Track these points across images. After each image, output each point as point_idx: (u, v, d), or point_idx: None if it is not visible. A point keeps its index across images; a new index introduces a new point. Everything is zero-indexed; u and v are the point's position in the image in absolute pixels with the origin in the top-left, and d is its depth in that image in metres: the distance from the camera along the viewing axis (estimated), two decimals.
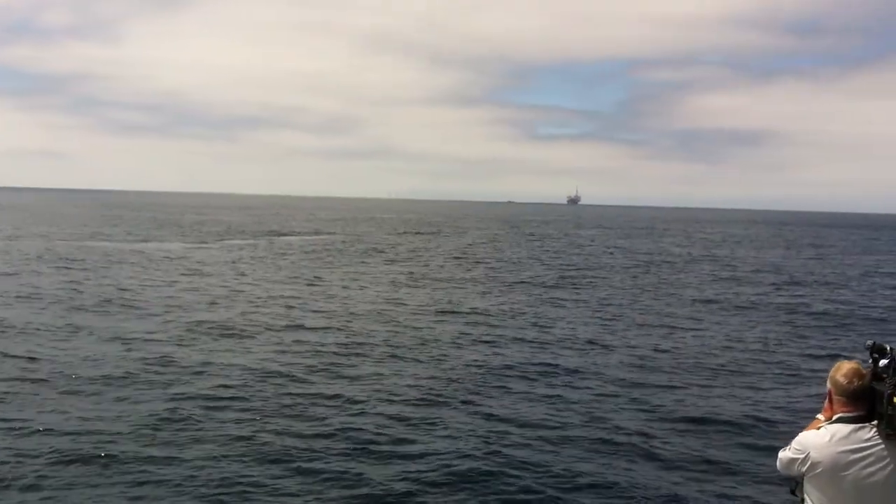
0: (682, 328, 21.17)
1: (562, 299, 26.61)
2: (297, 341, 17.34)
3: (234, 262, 36.47)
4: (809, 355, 17.83)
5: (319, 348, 16.66)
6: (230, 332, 18.28)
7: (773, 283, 33.68)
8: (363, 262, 39.08)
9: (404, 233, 74.72)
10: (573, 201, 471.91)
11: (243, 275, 31.17)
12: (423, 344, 17.60)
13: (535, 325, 20.90)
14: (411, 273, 34.24)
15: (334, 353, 16.28)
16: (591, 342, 18.57)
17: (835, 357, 18.38)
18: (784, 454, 4.24)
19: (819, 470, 4.07)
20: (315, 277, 30.93)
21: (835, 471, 4.03)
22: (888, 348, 4.10)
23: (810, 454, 4.08)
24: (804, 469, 4.13)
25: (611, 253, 52.48)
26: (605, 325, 21.44)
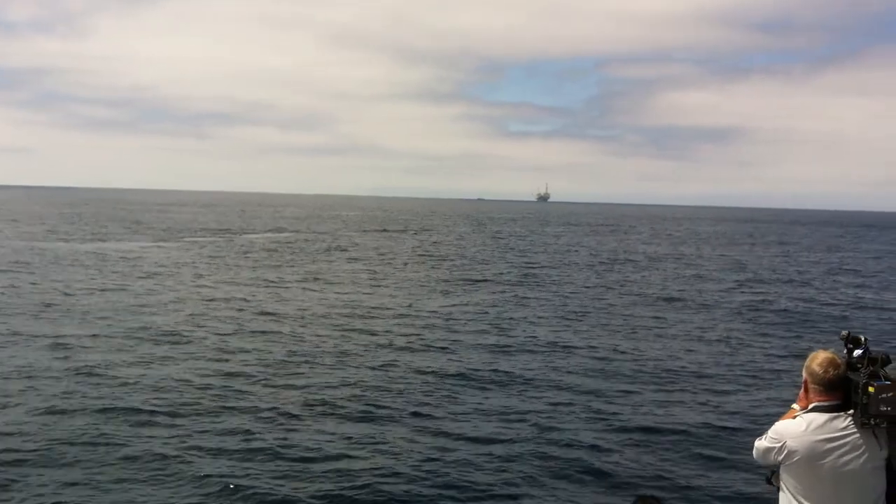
0: (644, 328, 20.76)
1: (524, 298, 26.09)
2: (242, 349, 16.56)
3: (191, 263, 35.47)
4: (771, 355, 17.51)
5: (265, 356, 15.91)
6: (172, 338, 17.43)
7: (737, 281, 33.50)
8: (324, 262, 38.23)
9: (370, 231, 73.82)
10: (543, 198, 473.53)
11: (199, 276, 30.24)
12: (374, 350, 16.93)
13: (494, 327, 20.32)
14: (372, 273, 33.52)
15: (280, 360, 15.55)
16: (551, 344, 18.06)
17: (797, 357, 18.15)
18: (760, 443, 4.22)
19: (796, 458, 4.08)
20: (275, 278, 30.06)
21: (811, 459, 4.05)
22: (862, 338, 4.16)
23: (787, 443, 4.09)
24: (781, 458, 4.14)
25: (576, 251, 52.16)
26: (567, 325, 20.95)
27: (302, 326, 19.57)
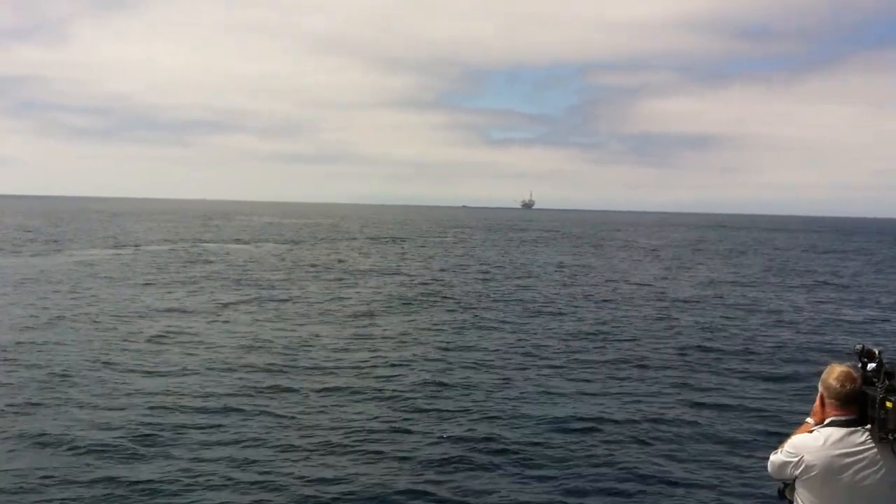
0: (605, 356, 18.13)
1: (483, 321, 23.41)
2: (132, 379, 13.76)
3: (107, 275, 32.53)
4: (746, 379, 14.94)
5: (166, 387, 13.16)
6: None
7: (707, 296, 31.01)
8: (265, 279, 35.43)
9: (337, 240, 70.98)
10: (527, 205, 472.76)
11: (97, 286, 27.38)
12: (272, 401, 14.19)
13: (442, 358, 17.66)
14: (321, 289, 30.76)
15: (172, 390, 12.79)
16: (499, 381, 15.40)
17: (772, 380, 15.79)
18: (776, 457, 4.19)
19: (813, 473, 4.07)
20: (203, 297, 27.24)
21: (829, 474, 4.03)
22: (876, 352, 4.13)
23: (804, 457, 4.08)
24: (797, 472, 4.11)
25: (540, 266, 49.67)
26: (516, 357, 18.26)
27: (220, 354, 16.86)
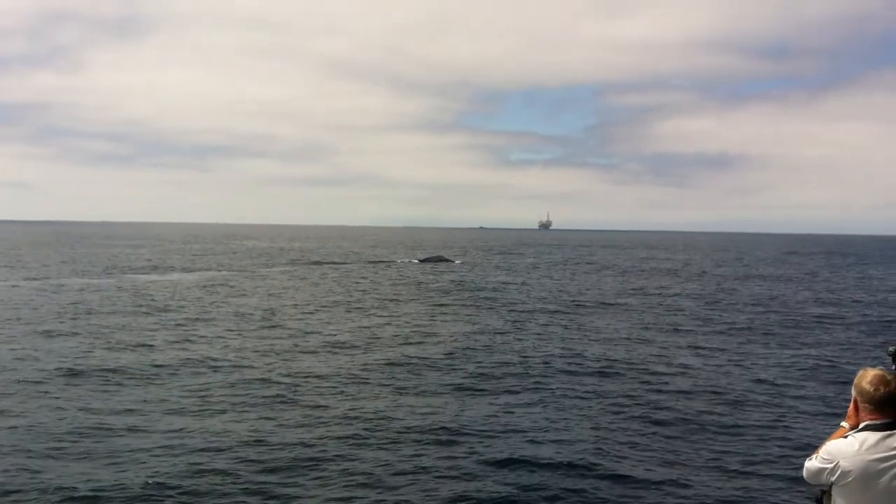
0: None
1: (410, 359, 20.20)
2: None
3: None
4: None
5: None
6: None
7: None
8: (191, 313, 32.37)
9: (309, 263, 67.83)
10: (545, 226, 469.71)
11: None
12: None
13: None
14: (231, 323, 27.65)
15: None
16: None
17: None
18: (811, 464, 4.07)
19: (850, 479, 3.96)
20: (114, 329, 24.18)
21: (865, 479, 3.94)
22: None
23: (840, 463, 3.98)
24: (833, 478, 4.01)
25: (543, 298, 46.38)
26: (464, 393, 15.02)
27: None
